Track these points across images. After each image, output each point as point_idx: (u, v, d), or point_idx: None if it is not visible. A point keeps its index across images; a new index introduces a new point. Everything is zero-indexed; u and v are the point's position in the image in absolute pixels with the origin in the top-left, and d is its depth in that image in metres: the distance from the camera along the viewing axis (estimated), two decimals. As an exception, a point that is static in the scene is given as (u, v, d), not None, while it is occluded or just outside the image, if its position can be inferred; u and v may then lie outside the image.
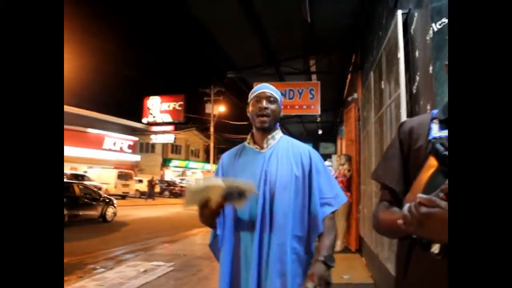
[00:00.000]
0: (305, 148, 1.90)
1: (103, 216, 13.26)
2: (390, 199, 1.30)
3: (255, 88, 1.95)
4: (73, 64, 22.69)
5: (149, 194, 26.78)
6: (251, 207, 1.74)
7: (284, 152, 1.85)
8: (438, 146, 1.12)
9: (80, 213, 12.31)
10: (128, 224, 12.84)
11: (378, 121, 4.85)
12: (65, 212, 11.23)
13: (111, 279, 5.47)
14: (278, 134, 1.93)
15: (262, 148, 1.89)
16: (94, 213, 12.88)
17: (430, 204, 0.92)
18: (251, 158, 1.88)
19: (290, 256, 1.70)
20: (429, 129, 1.24)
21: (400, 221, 0.99)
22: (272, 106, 1.86)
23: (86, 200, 12.68)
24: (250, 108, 1.92)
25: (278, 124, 1.98)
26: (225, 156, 2.02)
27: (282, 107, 1.98)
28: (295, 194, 1.76)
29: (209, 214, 1.67)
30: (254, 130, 1.94)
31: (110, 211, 13.48)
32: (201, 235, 10.63)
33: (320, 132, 18.60)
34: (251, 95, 1.93)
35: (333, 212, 1.84)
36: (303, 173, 1.80)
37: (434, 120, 1.25)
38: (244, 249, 1.75)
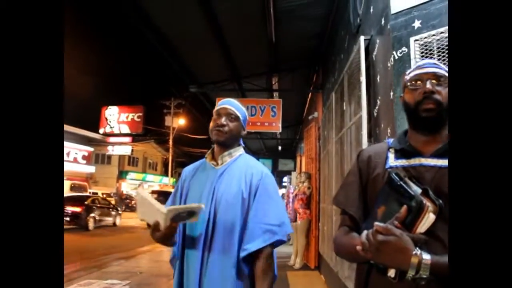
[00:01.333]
0: (259, 170, 1.80)
1: None
2: (349, 224, 1.33)
3: (219, 102, 1.91)
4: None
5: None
6: (197, 224, 1.71)
7: (237, 171, 1.79)
8: (393, 176, 1.16)
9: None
10: (80, 239, 12.30)
11: (339, 141, 4.97)
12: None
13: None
14: (237, 151, 1.87)
15: (217, 164, 1.84)
16: None
17: (386, 232, 1.01)
18: (205, 174, 1.84)
19: (229, 277, 1.65)
20: (386, 157, 1.30)
21: (358, 247, 1.06)
22: (232, 124, 1.80)
23: None
24: (211, 123, 1.86)
25: (240, 141, 1.94)
26: (186, 170, 2.00)
27: (245, 127, 1.91)
28: (240, 216, 1.69)
29: (161, 236, 1.62)
30: (214, 145, 1.89)
31: None
32: (157, 252, 10.36)
33: (279, 148, 18.81)
34: (214, 109, 1.89)
35: (273, 244, 1.69)
36: (249, 195, 1.73)
37: (390, 149, 1.31)
38: (187, 268, 1.72)
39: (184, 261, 1.73)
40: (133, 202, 30.51)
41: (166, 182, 36.84)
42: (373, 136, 3.57)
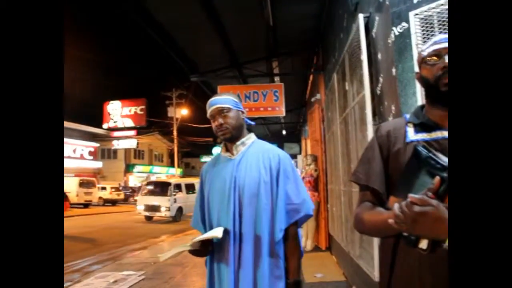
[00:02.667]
0: (276, 152, 1.87)
1: None
2: (372, 199, 1.34)
3: (207, 105, 1.93)
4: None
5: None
6: (224, 216, 1.79)
7: (254, 157, 1.85)
8: (421, 149, 1.17)
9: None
10: (93, 233, 12.43)
11: (343, 121, 4.96)
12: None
13: (79, 293, 5.30)
14: (249, 139, 1.94)
15: (233, 155, 1.90)
16: None
17: (422, 203, 0.99)
18: (223, 165, 1.90)
19: (264, 261, 1.73)
20: (405, 132, 1.31)
21: (391, 221, 1.05)
22: (228, 118, 1.85)
23: None
24: (212, 126, 1.92)
25: (248, 121, 1.99)
26: (204, 167, 2.06)
27: (242, 108, 1.95)
28: (264, 199, 1.76)
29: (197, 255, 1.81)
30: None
31: None
32: (169, 242, 10.49)
33: (284, 132, 18.78)
34: (207, 114, 1.92)
35: (297, 222, 1.81)
36: (271, 178, 1.80)
37: (409, 124, 1.32)
38: (219, 262, 1.79)
39: (215, 256, 1.82)
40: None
41: (173, 173, 37.01)
42: (378, 115, 3.56)
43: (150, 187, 18.18)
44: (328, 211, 7.08)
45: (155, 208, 16.50)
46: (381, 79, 3.30)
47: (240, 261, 1.73)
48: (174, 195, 16.96)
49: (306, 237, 7.63)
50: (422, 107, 1.34)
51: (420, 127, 1.28)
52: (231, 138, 1.88)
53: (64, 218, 14.66)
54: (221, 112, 1.85)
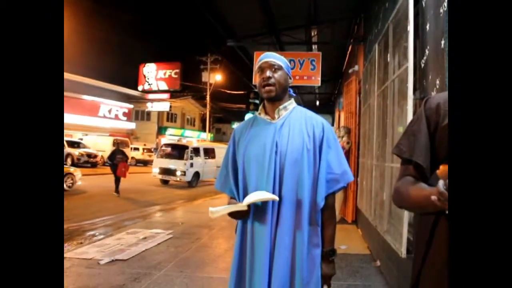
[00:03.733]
0: (319, 121, 1.82)
1: None
2: (414, 174, 1.29)
3: (258, 58, 1.89)
4: (67, 30, 22.17)
5: None
6: (264, 179, 1.73)
7: (296, 123, 1.80)
8: None
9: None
10: (125, 192, 12.87)
11: (381, 94, 4.82)
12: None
13: (112, 246, 5.53)
14: (291, 104, 1.88)
15: (273, 118, 1.84)
16: None
17: None
18: (262, 128, 1.84)
19: (301, 227, 1.70)
20: None
21: (434, 197, 1.00)
22: (277, 75, 1.80)
23: None
24: (256, 80, 1.88)
25: (291, 91, 1.93)
26: (237, 128, 1.99)
27: (291, 74, 1.90)
28: (307, 167, 1.72)
29: (240, 217, 1.76)
30: (265, 101, 1.88)
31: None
32: (197, 204, 10.73)
33: (317, 103, 18.54)
34: (255, 67, 1.88)
35: (335, 192, 1.79)
36: (314, 146, 1.75)
37: None
38: (256, 220, 1.75)
39: (251, 219, 1.76)
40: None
41: (204, 137, 37.47)
42: (419, 89, 3.43)
43: (167, 149, 17.28)
44: (357, 185, 7.03)
45: (170, 172, 15.82)
46: (427, 52, 3.15)
47: (278, 226, 1.70)
48: (191, 159, 16.24)
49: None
50: None
51: None
52: (275, 97, 1.81)
53: (97, 176, 15.09)
54: (272, 66, 1.80)
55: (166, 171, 15.99)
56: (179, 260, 4.91)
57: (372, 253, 5.19)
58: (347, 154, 7.43)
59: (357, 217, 7.09)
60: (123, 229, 6.80)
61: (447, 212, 1.08)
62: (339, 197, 7.43)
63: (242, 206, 1.65)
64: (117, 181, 12.07)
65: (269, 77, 1.78)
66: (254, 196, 1.65)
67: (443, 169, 1.14)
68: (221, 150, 18.27)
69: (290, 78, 1.89)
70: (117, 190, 11.98)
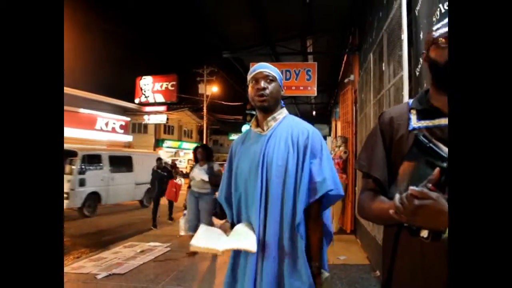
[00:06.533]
0: (305, 127, 1.79)
1: None
2: (373, 187, 1.32)
3: (252, 68, 1.88)
4: (64, 44, 22.27)
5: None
6: (251, 193, 1.74)
7: (284, 133, 1.78)
8: (422, 138, 1.15)
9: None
10: (122, 205, 12.78)
11: (377, 103, 4.82)
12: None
13: (109, 260, 5.48)
14: (280, 114, 1.86)
15: (263, 130, 1.84)
16: None
17: (422, 196, 0.99)
18: (253, 142, 1.85)
19: (285, 241, 1.68)
20: (408, 119, 1.27)
21: (392, 211, 1.05)
22: (271, 86, 1.80)
23: None
24: (249, 90, 1.85)
25: (282, 103, 1.92)
26: (234, 141, 2.01)
27: (283, 85, 1.91)
28: (291, 176, 1.69)
29: None
30: (257, 112, 1.88)
31: None
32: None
33: (314, 113, 18.58)
34: (249, 76, 1.86)
35: (317, 201, 1.70)
36: (298, 154, 1.72)
37: (412, 111, 1.28)
38: None
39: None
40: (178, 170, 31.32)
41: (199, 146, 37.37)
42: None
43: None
44: (355, 194, 7.00)
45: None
46: (421, 60, 3.16)
47: (265, 240, 1.67)
48: (82, 172, 10.57)
49: (331, 218, 7.59)
50: (427, 92, 1.28)
51: (423, 114, 1.24)
52: (268, 107, 1.81)
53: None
54: (266, 78, 1.80)
55: None
56: (176, 274, 4.86)
57: (372, 263, 5.15)
58: (345, 163, 7.42)
59: (356, 227, 7.05)
60: (120, 243, 6.73)
61: (405, 224, 1.13)
62: (337, 207, 7.40)
63: (217, 251, 1.60)
64: (170, 206, 9.65)
65: (264, 88, 1.78)
66: (232, 244, 1.62)
67: (403, 167, 1.19)
68: (148, 158, 13.23)
69: (282, 90, 1.90)
70: (170, 216, 9.64)
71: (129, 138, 33.74)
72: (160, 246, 6.43)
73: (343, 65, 10.62)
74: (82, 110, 27.61)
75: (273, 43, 8.88)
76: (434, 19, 2.71)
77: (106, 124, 30.79)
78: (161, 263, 5.38)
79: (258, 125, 1.88)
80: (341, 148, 7.58)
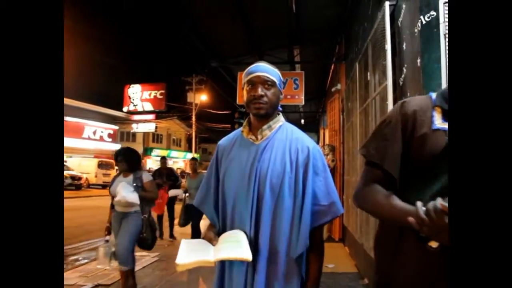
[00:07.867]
0: (305, 144, 1.60)
1: None
2: (383, 181, 1.21)
3: (249, 69, 1.65)
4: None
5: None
6: (241, 209, 1.58)
7: (280, 146, 1.60)
8: None
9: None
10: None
11: (364, 112, 4.88)
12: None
13: (95, 270, 5.41)
14: (276, 122, 1.67)
15: (257, 138, 1.64)
16: None
17: None
18: (244, 150, 1.65)
19: (281, 260, 1.53)
20: (432, 116, 1.16)
21: (411, 219, 0.96)
22: (270, 92, 1.59)
23: None
24: (244, 94, 1.65)
25: (280, 108, 1.73)
26: (220, 144, 1.80)
27: (281, 88, 1.69)
28: (287, 196, 1.53)
29: None
30: (251, 116, 1.69)
31: None
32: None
33: (302, 122, 18.66)
34: (245, 77, 1.65)
35: (322, 225, 1.56)
36: (297, 173, 1.54)
37: (436, 108, 1.17)
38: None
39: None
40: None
41: (190, 158, 37.31)
42: (399, 106, 3.48)
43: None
44: (343, 202, 7.03)
45: None
46: (404, 70, 3.22)
47: (254, 260, 1.50)
48: None
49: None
50: None
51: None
52: (265, 115, 1.62)
53: (85, 199, 14.81)
54: (265, 83, 1.59)
55: None
56: (164, 284, 4.82)
57: (360, 271, 5.17)
58: (332, 171, 7.47)
59: (344, 235, 7.08)
60: (107, 253, 6.65)
61: (421, 235, 1.02)
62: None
63: (209, 262, 1.44)
64: (171, 222, 8.84)
65: (261, 96, 1.58)
66: (225, 253, 1.45)
67: (427, 172, 1.09)
68: None
69: (281, 94, 1.70)
70: (171, 234, 8.63)
71: (117, 146, 33.49)
72: (147, 256, 6.37)
73: (330, 74, 10.73)
74: (69, 118, 27.39)
75: (261, 52, 8.93)
76: (416, 30, 2.76)
77: (94, 133, 30.61)
78: (149, 273, 5.33)
79: (250, 130, 1.69)
80: (328, 157, 7.63)
